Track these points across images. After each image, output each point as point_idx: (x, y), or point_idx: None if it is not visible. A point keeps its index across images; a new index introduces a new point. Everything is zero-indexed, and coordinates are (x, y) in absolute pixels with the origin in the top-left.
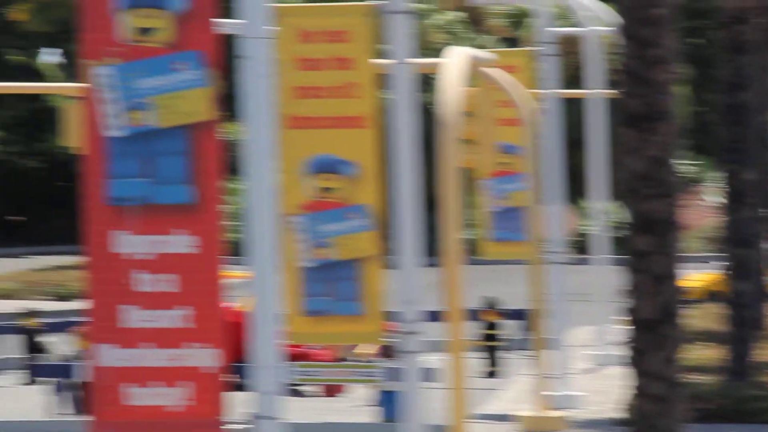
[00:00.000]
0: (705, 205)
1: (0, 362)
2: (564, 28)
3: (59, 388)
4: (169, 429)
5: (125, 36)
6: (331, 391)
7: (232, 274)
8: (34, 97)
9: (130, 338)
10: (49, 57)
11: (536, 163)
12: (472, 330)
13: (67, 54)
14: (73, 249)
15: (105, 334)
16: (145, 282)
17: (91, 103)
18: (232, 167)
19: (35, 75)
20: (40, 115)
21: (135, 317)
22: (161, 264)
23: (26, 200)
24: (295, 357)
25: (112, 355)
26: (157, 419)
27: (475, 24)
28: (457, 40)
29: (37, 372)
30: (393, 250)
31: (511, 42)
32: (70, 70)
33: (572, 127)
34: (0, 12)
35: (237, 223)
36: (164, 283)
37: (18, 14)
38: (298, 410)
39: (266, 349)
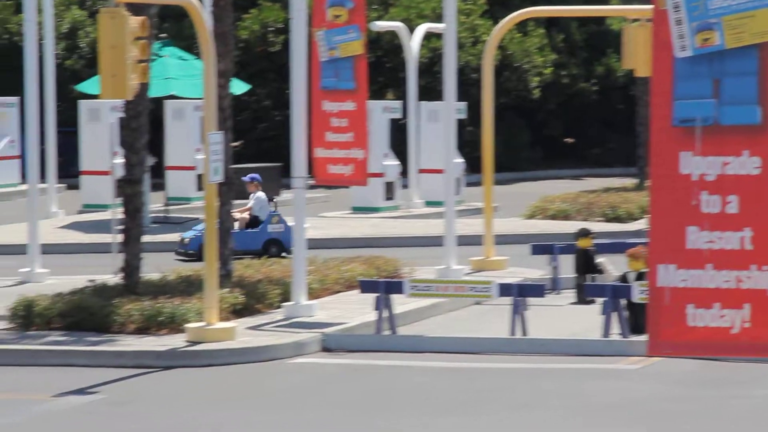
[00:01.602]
0: None
1: (555, 282)
2: None
3: (611, 308)
4: (730, 351)
5: None
6: None
7: None
8: (589, 21)
9: (694, 259)
10: None
11: None
12: None
13: None
14: (625, 171)
15: (668, 255)
16: (709, 203)
17: (658, 25)
18: None
19: None
20: (596, 39)
21: (699, 238)
22: (725, 185)
23: (581, 123)
24: None
25: (675, 276)
26: (718, 340)
27: None
28: None
29: (589, 292)
30: None
31: None
32: None
33: None
34: None
35: None
36: (727, 204)
37: None
38: None
39: None
